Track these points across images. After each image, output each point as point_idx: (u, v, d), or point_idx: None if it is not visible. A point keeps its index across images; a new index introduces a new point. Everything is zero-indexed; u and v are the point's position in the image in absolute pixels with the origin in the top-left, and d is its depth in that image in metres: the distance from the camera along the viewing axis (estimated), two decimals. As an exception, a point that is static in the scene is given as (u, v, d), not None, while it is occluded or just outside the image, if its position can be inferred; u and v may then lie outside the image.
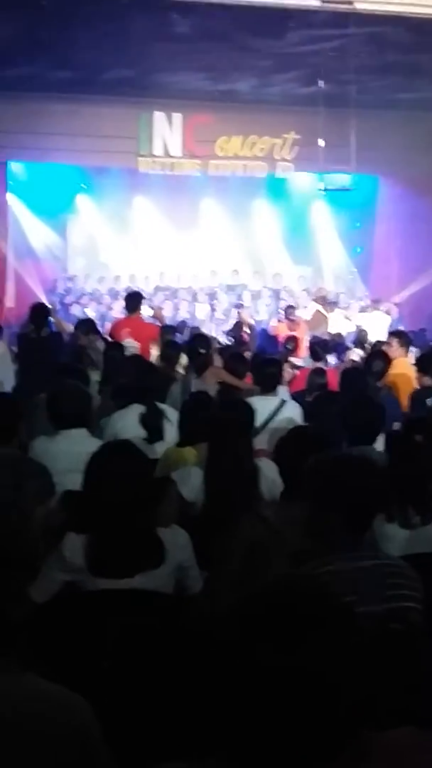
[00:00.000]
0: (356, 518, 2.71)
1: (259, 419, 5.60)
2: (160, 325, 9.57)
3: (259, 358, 8.62)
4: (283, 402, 6.07)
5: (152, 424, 5.33)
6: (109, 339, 9.10)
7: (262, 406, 5.82)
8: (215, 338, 10.93)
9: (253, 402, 6.07)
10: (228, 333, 12.29)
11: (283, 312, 14.05)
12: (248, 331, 10.74)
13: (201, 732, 2.50)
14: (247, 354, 8.46)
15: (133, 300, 9.51)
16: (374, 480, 2.78)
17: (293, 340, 9.55)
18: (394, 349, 7.24)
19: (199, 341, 7.60)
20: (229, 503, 3.62)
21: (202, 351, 7.21)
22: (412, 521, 3.43)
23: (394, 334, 7.74)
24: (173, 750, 2.50)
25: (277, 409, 5.85)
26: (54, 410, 4.57)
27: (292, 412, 5.80)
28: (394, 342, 7.33)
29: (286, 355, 9.35)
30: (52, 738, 1.94)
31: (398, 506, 3.44)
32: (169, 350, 7.88)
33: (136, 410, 5.39)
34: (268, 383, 6.36)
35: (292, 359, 9.75)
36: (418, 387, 6.31)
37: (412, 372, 6.83)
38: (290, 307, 13.72)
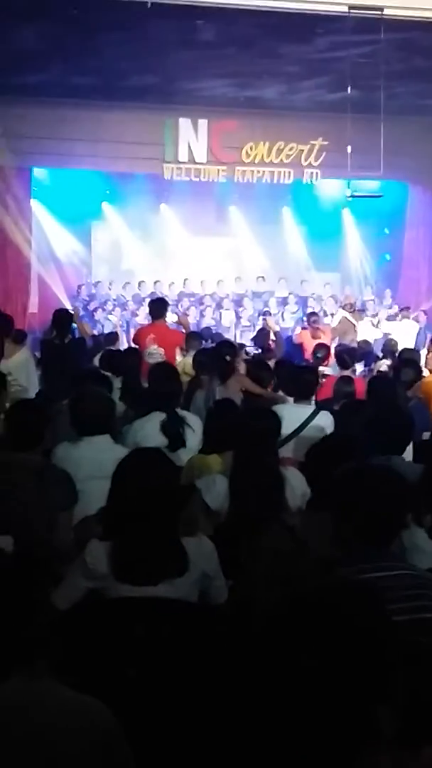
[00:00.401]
0: (379, 528, 2.70)
1: (293, 427, 5.53)
2: (184, 331, 9.51)
3: (286, 365, 8.56)
4: (317, 411, 6.00)
5: (173, 432, 5.27)
6: (133, 345, 9.06)
7: (297, 414, 5.76)
8: (244, 346, 10.85)
9: (287, 410, 6.02)
10: (253, 340, 12.22)
11: (306, 319, 13.96)
12: (274, 338, 10.66)
13: (226, 742, 2.46)
14: (272, 362, 8.38)
15: (158, 306, 9.47)
16: (398, 491, 2.75)
17: (324, 348, 9.45)
18: None
19: (224, 348, 7.54)
20: (254, 512, 3.56)
21: (228, 358, 7.15)
22: None
23: None
24: (198, 760, 2.46)
25: (310, 418, 5.79)
26: (76, 416, 4.54)
27: (325, 422, 5.73)
28: None
29: (317, 363, 9.25)
30: (75, 746, 1.93)
31: None
32: (201, 357, 7.77)
33: (157, 418, 5.34)
34: (304, 391, 6.30)
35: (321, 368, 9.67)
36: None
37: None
38: (313, 314, 13.63)
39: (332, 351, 10.55)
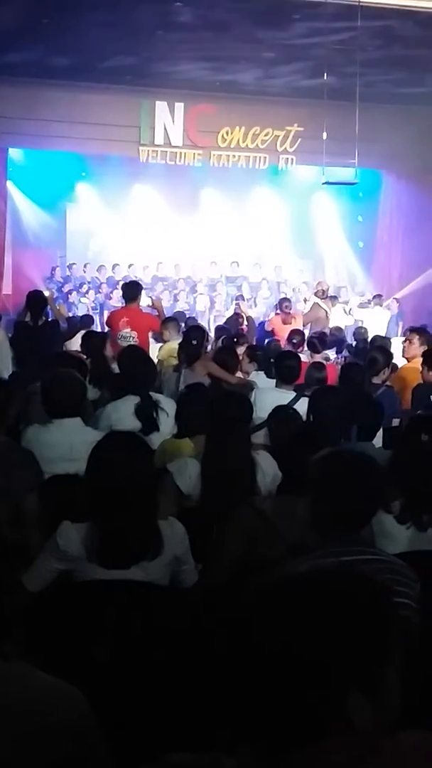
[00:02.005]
0: (355, 513, 2.73)
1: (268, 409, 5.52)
2: (158, 315, 9.49)
3: (257, 349, 8.58)
4: (298, 396, 6.03)
5: (146, 415, 5.28)
6: (107, 328, 9.03)
7: (278, 398, 5.77)
8: (227, 331, 10.80)
9: (269, 394, 6.04)
10: (224, 324, 12.21)
11: (278, 305, 13.99)
12: (246, 323, 10.67)
13: (199, 722, 2.49)
14: (241, 349, 8.38)
15: (132, 289, 9.42)
16: (372, 476, 2.78)
17: (299, 334, 9.49)
18: (415, 347, 7.08)
19: (192, 332, 7.53)
20: (225, 496, 3.59)
21: (195, 342, 7.15)
22: (422, 521, 3.39)
23: (415, 330, 7.54)
24: (171, 740, 2.48)
25: (291, 404, 5.81)
26: (47, 398, 4.51)
27: (304, 408, 5.76)
28: (415, 339, 7.17)
29: (293, 349, 9.26)
30: (48, 731, 1.90)
31: (406, 506, 3.40)
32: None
33: (131, 401, 5.34)
34: (286, 376, 6.32)
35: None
36: (422, 382, 6.23)
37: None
38: (285, 299, 13.64)
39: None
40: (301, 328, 11.49)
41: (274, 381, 6.55)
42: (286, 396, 6.01)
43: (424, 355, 6.46)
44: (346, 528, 2.71)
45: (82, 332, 8.69)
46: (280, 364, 6.53)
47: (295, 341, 9.10)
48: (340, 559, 2.59)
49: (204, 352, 7.24)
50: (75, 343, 8.77)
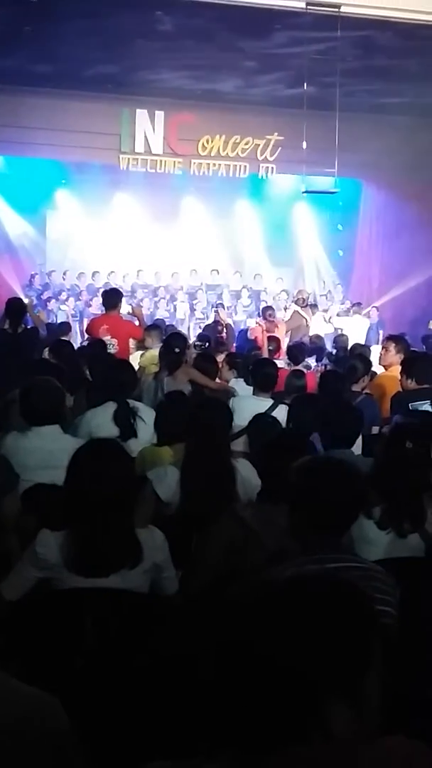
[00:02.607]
0: (335, 520, 2.74)
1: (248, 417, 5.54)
2: (138, 322, 9.48)
3: (251, 357, 8.59)
4: (276, 404, 6.04)
5: (123, 422, 5.28)
6: (86, 336, 9.03)
7: (256, 406, 5.77)
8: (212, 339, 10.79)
9: (247, 402, 6.04)
10: (203, 332, 12.23)
11: (261, 313, 14.03)
12: (225, 330, 10.69)
13: (179, 729, 2.47)
14: (220, 356, 8.40)
15: (112, 297, 9.41)
16: (352, 483, 2.78)
17: (275, 341, 9.50)
18: (391, 354, 7.10)
19: (174, 340, 7.54)
20: (205, 503, 3.59)
21: (177, 350, 7.15)
22: (403, 527, 3.41)
23: (392, 338, 7.55)
24: (151, 748, 2.47)
25: (269, 411, 5.82)
26: (26, 406, 4.50)
27: (282, 415, 5.77)
28: (392, 347, 7.19)
29: (269, 357, 9.29)
30: (24, 741, 1.86)
31: (387, 512, 3.41)
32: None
33: (111, 408, 5.34)
34: (264, 384, 6.33)
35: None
36: (401, 390, 6.26)
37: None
38: (268, 308, 13.70)
39: (284, 346, 10.63)
40: (283, 336, 11.53)
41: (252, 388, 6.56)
42: (263, 404, 6.01)
43: (402, 363, 6.48)
44: (325, 535, 2.71)
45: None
46: (257, 371, 6.53)
47: (271, 348, 9.13)
48: (323, 567, 2.59)
49: (185, 360, 7.24)
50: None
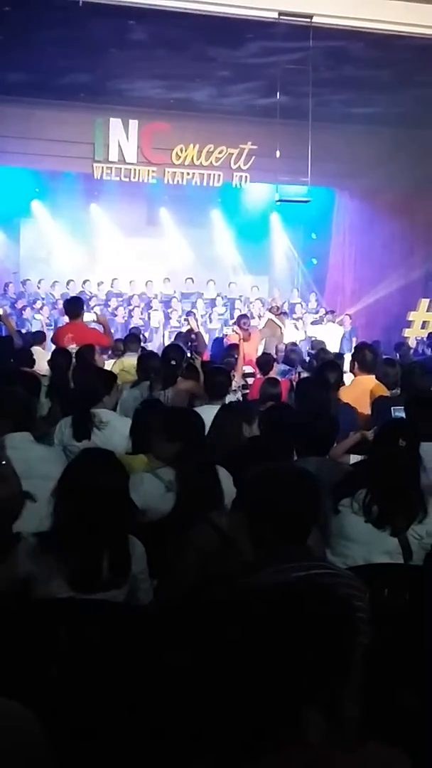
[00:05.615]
0: (289, 529, 2.69)
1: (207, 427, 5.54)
2: (103, 330, 9.44)
3: (206, 366, 8.59)
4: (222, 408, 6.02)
5: (78, 426, 5.27)
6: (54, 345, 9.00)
7: (210, 414, 5.77)
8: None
9: (206, 411, 6.03)
10: (175, 341, 12.21)
11: (236, 321, 14.03)
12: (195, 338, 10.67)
13: (156, 738, 2.47)
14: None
15: (74, 306, 9.39)
16: (306, 492, 2.75)
17: (234, 348, 9.54)
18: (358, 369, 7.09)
19: (171, 352, 7.51)
20: (201, 504, 3.57)
21: (174, 362, 7.13)
22: (397, 524, 3.43)
23: (366, 347, 7.54)
24: (128, 759, 2.46)
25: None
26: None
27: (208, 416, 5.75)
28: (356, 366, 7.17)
29: (231, 364, 9.30)
30: (1, 755, 1.85)
31: (380, 510, 3.43)
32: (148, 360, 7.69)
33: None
34: (216, 391, 6.33)
35: (245, 368, 9.73)
36: (382, 395, 6.31)
37: (373, 383, 6.76)
38: (243, 316, 13.71)
39: (260, 353, 10.65)
40: (257, 344, 11.54)
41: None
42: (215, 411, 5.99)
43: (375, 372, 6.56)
44: (290, 542, 2.68)
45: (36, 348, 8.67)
46: (208, 380, 6.53)
47: (235, 356, 9.16)
48: (297, 575, 2.57)
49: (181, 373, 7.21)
50: (42, 358, 8.76)
